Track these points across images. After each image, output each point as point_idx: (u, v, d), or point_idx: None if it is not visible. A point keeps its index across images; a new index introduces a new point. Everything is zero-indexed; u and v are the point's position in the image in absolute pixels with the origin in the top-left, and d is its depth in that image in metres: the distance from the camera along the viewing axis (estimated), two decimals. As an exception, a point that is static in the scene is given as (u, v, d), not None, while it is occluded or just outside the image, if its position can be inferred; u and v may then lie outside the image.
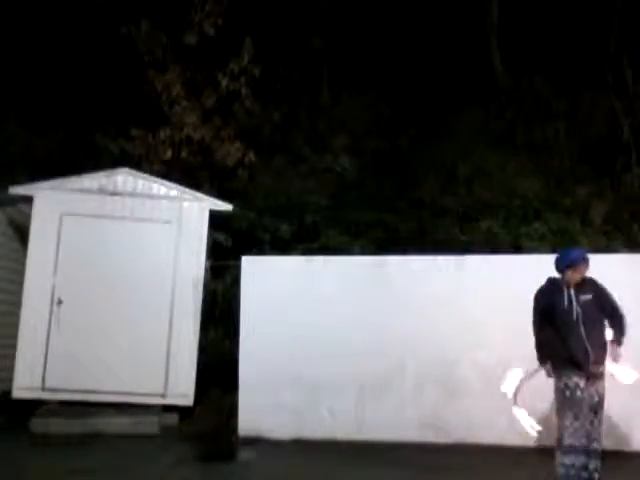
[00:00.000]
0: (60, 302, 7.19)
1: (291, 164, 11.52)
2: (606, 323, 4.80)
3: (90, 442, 6.32)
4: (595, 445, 4.63)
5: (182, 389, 7.14)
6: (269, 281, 6.95)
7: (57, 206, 7.35)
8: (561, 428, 4.67)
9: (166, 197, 7.64)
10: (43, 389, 7.05)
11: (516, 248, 9.28)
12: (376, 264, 7.05)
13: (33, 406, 6.91)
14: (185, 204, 7.62)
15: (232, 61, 10.78)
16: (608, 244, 9.00)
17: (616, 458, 5.34)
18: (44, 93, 12.06)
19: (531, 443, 6.19)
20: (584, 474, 4.53)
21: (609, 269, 5.61)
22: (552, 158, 11.41)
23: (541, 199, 10.44)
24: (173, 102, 10.64)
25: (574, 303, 4.77)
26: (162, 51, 10.68)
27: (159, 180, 7.84)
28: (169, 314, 7.31)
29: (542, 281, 6.52)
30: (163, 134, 10.47)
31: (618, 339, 4.71)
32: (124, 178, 7.62)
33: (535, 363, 5.30)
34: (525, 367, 6.39)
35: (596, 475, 4.60)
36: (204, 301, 7.50)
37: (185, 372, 7.17)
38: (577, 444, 4.53)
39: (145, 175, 7.95)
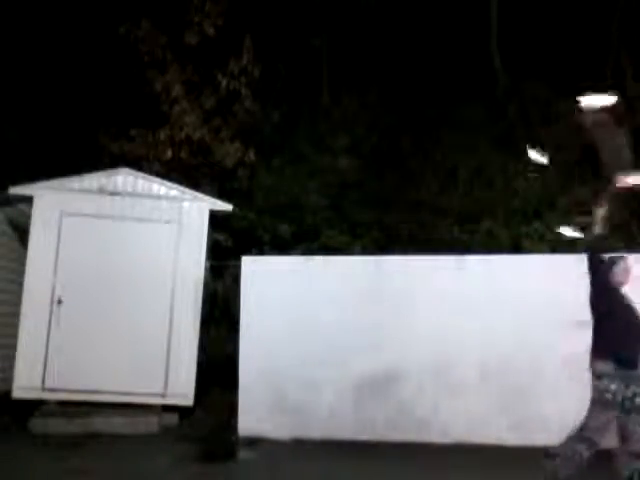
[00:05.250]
0: (60, 302, 7.19)
1: (291, 164, 11.52)
2: None
3: (90, 442, 6.31)
4: None
5: (182, 389, 7.14)
6: (269, 281, 6.95)
7: (57, 206, 7.34)
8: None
9: (166, 197, 7.64)
10: (43, 389, 7.04)
11: (516, 248, 9.28)
12: (376, 264, 7.05)
13: (33, 406, 6.91)
14: (185, 204, 7.62)
15: (232, 61, 10.79)
16: (608, 244, 8.98)
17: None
18: (44, 93, 12.06)
19: (530, 443, 6.22)
20: None
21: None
22: (552, 158, 11.40)
23: (541, 199, 10.44)
24: (173, 102, 10.64)
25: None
26: (162, 51, 10.68)
27: (159, 180, 7.83)
28: (169, 314, 7.31)
29: (542, 281, 6.57)
30: (163, 134, 10.48)
31: None
32: (124, 178, 7.62)
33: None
34: (525, 366, 6.45)
35: None
36: (204, 301, 7.49)
37: (185, 372, 7.17)
38: None
39: (145, 175, 7.94)
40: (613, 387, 4.55)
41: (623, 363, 4.59)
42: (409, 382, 6.62)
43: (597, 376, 4.65)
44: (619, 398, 4.51)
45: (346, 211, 10.64)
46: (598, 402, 4.60)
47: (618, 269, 4.87)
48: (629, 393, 4.56)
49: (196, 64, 10.77)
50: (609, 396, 4.54)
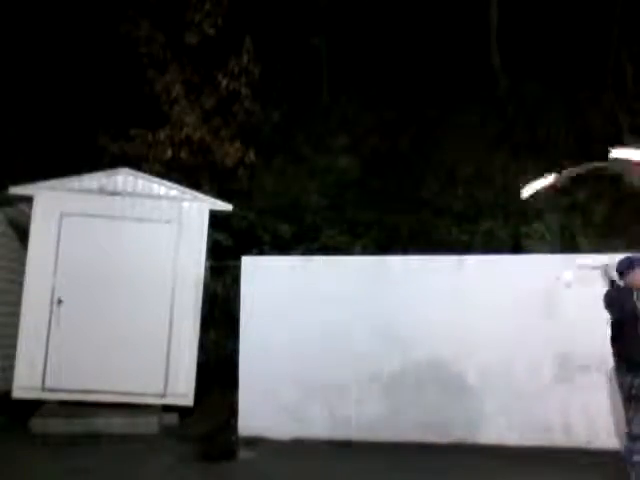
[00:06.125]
0: (60, 302, 7.19)
1: (291, 164, 11.53)
2: None
3: (90, 442, 6.31)
4: None
5: (182, 389, 7.13)
6: (269, 281, 6.95)
7: (57, 206, 7.34)
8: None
9: (166, 197, 7.63)
10: (43, 389, 7.04)
11: (516, 248, 9.29)
12: (376, 264, 7.04)
13: (33, 406, 6.91)
14: (185, 204, 7.62)
15: (232, 61, 10.79)
16: (608, 244, 9.01)
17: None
18: (44, 93, 12.07)
19: (530, 443, 6.22)
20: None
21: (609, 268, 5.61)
22: (552, 158, 11.41)
23: (541, 199, 10.44)
24: (173, 102, 10.64)
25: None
26: (162, 51, 10.68)
27: (159, 180, 7.83)
28: (169, 314, 7.31)
29: (541, 281, 6.58)
30: (163, 134, 10.47)
31: None
32: (124, 178, 7.61)
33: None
34: (525, 367, 6.45)
35: None
36: (204, 301, 7.48)
37: (185, 372, 7.16)
38: None
39: (145, 175, 7.94)
40: (628, 380, 4.74)
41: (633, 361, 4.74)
42: (409, 382, 6.61)
43: (616, 372, 4.85)
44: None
45: (346, 211, 10.64)
46: (622, 397, 4.87)
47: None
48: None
49: (196, 64, 10.77)
50: (633, 391, 4.76)
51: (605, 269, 5.43)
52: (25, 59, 12.31)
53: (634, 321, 4.84)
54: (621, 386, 4.94)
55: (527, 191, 5.64)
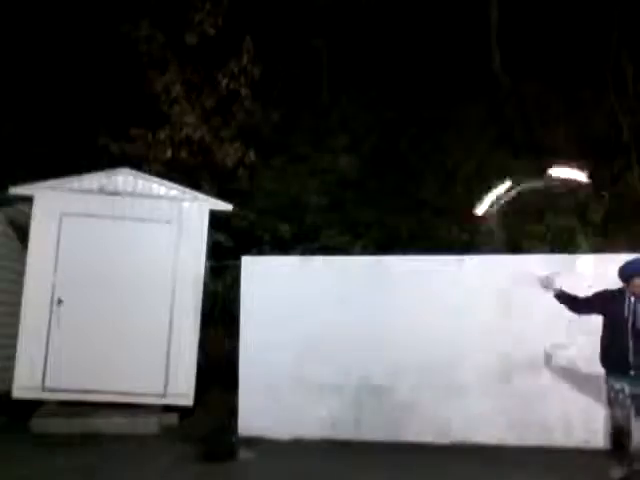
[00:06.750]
0: (60, 302, 7.19)
1: (291, 164, 11.53)
2: None
3: (90, 442, 6.31)
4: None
5: (182, 389, 7.14)
6: (269, 281, 6.95)
7: (57, 206, 7.34)
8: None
9: (166, 197, 7.63)
10: (43, 389, 7.04)
11: (516, 248, 9.29)
12: (376, 264, 7.04)
13: (33, 406, 6.91)
14: (185, 204, 7.62)
15: (232, 61, 10.79)
16: (608, 244, 9.01)
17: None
18: (44, 93, 12.06)
19: (530, 443, 6.23)
20: None
21: (609, 269, 5.61)
22: (552, 158, 11.41)
23: (541, 199, 10.44)
24: (173, 102, 10.65)
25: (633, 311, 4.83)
26: (162, 51, 10.69)
27: (159, 180, 7.83)
28: (169, 314, 7.31)
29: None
30: (163, 134, 10.48)
31: None
32: (124, 178, 7.61)
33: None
34: (525, 367, 6.46)
35: None
36: (204, 301, 7.49)
37: (185, 372, 7.17)
38: None
39: (145, 175, 7.94)
40: (617, 386, 4.72)
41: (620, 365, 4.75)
42: (409, 382, 6.61)
43: (606, 376, 4.84)
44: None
45: (346, 211, 10.64)
46: (608, 400, 4.89)
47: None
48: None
49: (196, 64, 10.77)
50: (612, 394, 4.72)
51: (545, 280, 5.38)
52: (25, 59, 12.30)
53: (624, 326, 4.77)
54: (609, 392, 4.91)
55: (483, 208, 5.64)
